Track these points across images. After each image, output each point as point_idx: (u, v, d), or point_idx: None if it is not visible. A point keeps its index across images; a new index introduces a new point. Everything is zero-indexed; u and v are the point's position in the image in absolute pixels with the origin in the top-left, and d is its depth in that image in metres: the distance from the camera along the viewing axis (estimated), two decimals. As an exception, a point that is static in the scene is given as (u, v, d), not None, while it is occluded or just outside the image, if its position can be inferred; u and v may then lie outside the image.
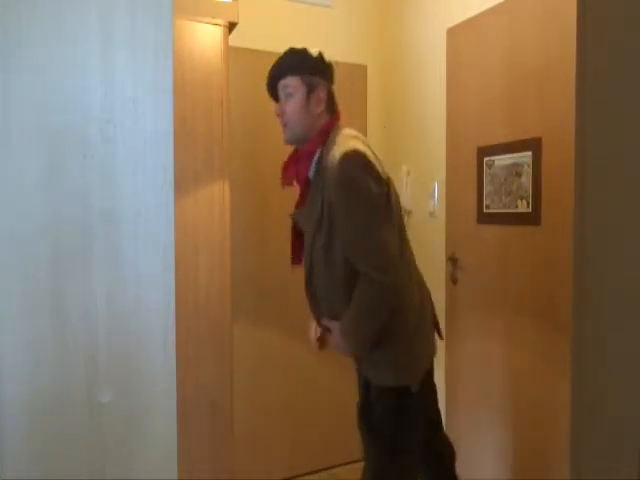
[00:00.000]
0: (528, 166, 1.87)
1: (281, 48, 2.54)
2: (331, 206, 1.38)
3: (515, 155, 1.93)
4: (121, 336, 0.69)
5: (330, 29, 2.71)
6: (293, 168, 1.51)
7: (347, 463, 2.82)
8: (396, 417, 1.47)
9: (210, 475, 1.71)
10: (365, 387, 1.56)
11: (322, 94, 1.52)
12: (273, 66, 1.51)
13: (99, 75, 0.68)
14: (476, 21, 2.13)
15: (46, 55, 0.65)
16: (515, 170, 1.93)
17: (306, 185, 1.50)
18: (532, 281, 1.87)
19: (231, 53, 1.77)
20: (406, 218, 2.66)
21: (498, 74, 2.01)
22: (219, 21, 1.71)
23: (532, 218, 1.85)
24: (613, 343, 0.61)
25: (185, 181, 1.66)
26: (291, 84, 1.48)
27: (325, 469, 2.75)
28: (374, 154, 1.45)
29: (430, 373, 1.53)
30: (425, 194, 2.51)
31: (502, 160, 1.99)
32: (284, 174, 1.55)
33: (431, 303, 1.59)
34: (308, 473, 2.69)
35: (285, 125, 1.49)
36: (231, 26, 1.76)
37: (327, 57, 1.55)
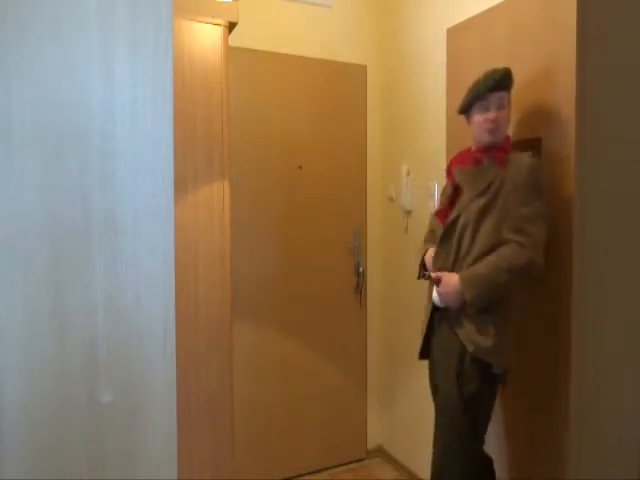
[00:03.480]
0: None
1: (281, 48, 2.56)
2: (507, 189, 1.63)
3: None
4: (121, 336, 0.69)
5: (330, 29, 2.71)
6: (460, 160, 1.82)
7: (347, 463, 2.82)
8: (480, 400, 1.64)
9: (210, 475, 1.71)
10: (457, 360, 1.65)
11: (509, 107, 1.75)
12: (490, 78, 1.70)
13: (99, 75, 0.68)
14: (476, 21, 2.13)
15: (46, 55, 0.65)
16: (515, 170, 1.92)
17: (479, 163, 1.76)
18: (532, 281, 1.86)
19: (231, 53, 1.77)
20: (406, 218, 2.66)
21: (498, 74, 2.01)
22: (219, 21, 1.71)
23: (532, 218, 1.85)
24: (613, 343, 0.61)
25: (185, 181, 1.66)
26: (505, 97, 1.72)
27: (325, 469, 2.75)
28: None
29: (505, 376, 1.70)
30: (425, 194, 2.51)
31: (502, 160, 1.98)
32: (449, 170, 1.85)
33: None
34: (308, 473, 2.70)
35: (495, 130, 1.70)
36: (231, 26, 1.76)
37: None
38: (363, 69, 2.79)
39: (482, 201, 1.66)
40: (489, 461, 1.80)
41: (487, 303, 1.61)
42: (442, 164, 2.37)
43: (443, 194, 1.91)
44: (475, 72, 2.03)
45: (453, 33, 2.27)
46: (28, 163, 0.64)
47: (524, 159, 1.67)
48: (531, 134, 1.85)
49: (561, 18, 1.72)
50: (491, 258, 1.61)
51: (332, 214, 2.72)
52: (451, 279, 1.64)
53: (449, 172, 1.85)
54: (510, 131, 1.98)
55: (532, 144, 1.84)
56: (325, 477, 2.71)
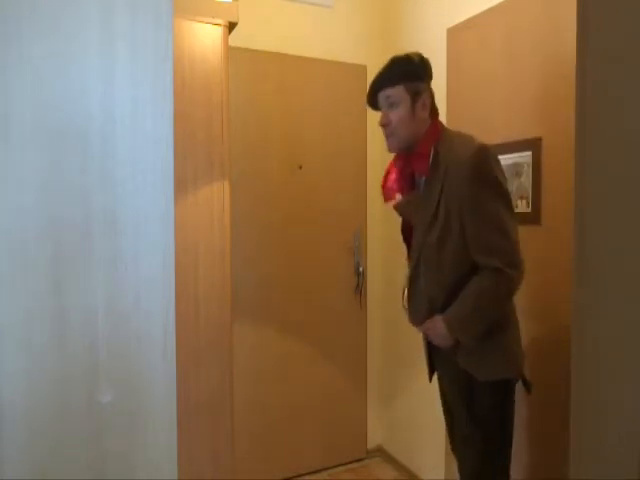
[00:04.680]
0: (528, 166, 1.87)
1: (281, 48, 2.56)
2: (452, 200, 1.39)
3: (515, 155, 1.93)
4: (121, 336, 0.69)
5: (330, 29, 2.71)
6: (394, 181, 1.55)
7: (347, 463, 2.82)
8: (500, 413, 1.50)
9: (210, 475, 1.71)
10: (464, 386, 1.51)
11: (426, 99, 1.51)
12: (375, 78, 1.52)
13: (99, 75, 0.68)
14: (476, 21, 2.13)
15: (46, 55, 0.65)
16: (515, 170, 1.93)
17: (411, 183, 1.54)
18: (532, 281, 1.86)
19: (231, 53, 1.77)
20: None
21: (498, 74, 2.01)
22: (219, 21, 1.71)
23: (532, 218, 1.85)
24: (614, 343, 0.61)
25: (185, 181, 1.66)
26: (394, 94, 1.48)
27: (325, 469, 2.75)
28: None
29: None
30: (425, 194, 2.51)
31: (502, 160, 1.98)
32: (386, 189, 1.57)
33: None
34: (308, 473, 2.70)
35: (390, 134, 1.50)
36: (231, 26, 1.76)
37: (425, 59, 1.55)
38: (363, 69, 2.79)
39: (435, 234, 1.45)
40: None
41: (483, 333, 1.44)
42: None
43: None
44: (475, 72, 2.03)
45: (453, 33, 2.27)
46: (28, 163, 0.64)
47: (459, 156, 1.40)
48: (531, 134, 1.86)
49: (561, 18, 1.72)
50: (471, 292, 1.42)
51: (332, 214, 2.72)
52: (436, 324, 1.48)
53: (387, 197, 1.61)
54: (510, 131, 1.97)
55: (532, 144, 1.85)
56: (325, 477, 2.71)
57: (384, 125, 1.50)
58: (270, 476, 2.57)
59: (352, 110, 2.78)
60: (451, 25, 2.28)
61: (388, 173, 1.60)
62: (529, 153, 1.86)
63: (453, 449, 1.68)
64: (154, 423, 0.71)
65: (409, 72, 1.49)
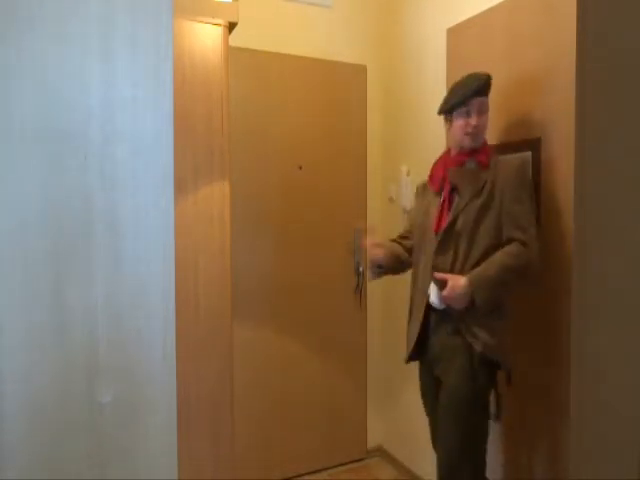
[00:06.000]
0: (528, 166, 1.87)
1: (281, 48, 2.56)
2: (498, 188, 1.67)
3: (515, 155, 1.93)
4: (121, 336, 0.69)
5: (330, 29, 2.71)
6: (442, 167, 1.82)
7: (347, 463, 2.82)
8: (483, 400, 1.65)
9: (210, 475, 1.71)
10: (466, 359, 1.64)
11: (488, 112, 1.78)
12: (472, 85, 1.73)
13: (99, 75, 0.68)
14: (476, 21, 2.13)
15: (46, 55, 0.65)
16: (515, 170, 1.92)
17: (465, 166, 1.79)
18: (532, 281, 1.86)
19: (231, 53, 1.77)
20: (406, 218, 2.66)
21: (498, 74, 2.01)
22: (219, 21, 1.71)
23: (532, 218, 1.85)
24: (614, 343, 0.61)
25: (185, 181, 1.66)
26: (486, 103, 1.75)
27: (325, 469, 2.75)
28: None
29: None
30: (425, 194, 2.51)
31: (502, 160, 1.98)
32: (437, 175, 1.83)
33: None
34: (308, 473, 2.70)
35: (476, 135, 1.73)
36: (231, 26, 1.76)
37: None
38: (363, 69, 2.79)
39: (480, 201, 1.67)
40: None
41: (495, 303, 1.63)
42: (442, 164, 2.37)
43: (417, 207, 1.94)
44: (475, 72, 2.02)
45: (453, 33, 2.27)
46: (28, 163, 0.64)
47: (510, 161, 1.75)
48: (531, 134, 1.86)
49: (561, 18, 1.72)
50: (497, 258, 1.61)
51: (332, 214, 2.72)
52: (458, 282, 1.60)
53: (434, 179, 1.84)
54: (510, 131, 1.98)
55: (532, 144, 1.85)
56: (325, 477, 2.71)
57: (475, 126, 1.72)
58: (270, 476, 2.57)
59: (352, 110, 2.78)
60: (451, 25, 2.28)
61: (442, 160, 1.85)
62: (529, 153, 1.86)
63: (435, 446, 1.80)
64: (154, 421, 0.71)
65: (490, 88, 1.76)
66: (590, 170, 0.63)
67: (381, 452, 2.91)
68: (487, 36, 2.06)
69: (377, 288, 2.86)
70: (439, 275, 1.66)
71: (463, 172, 1.76)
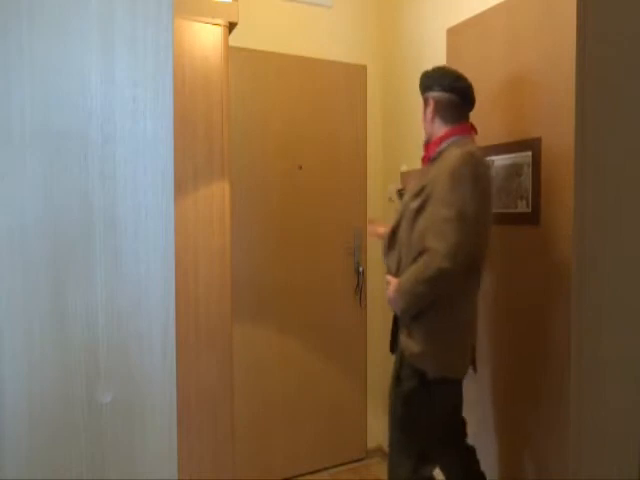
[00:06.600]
0: (528, 166, 1.87)
1: (281, 48, 2.56)
2: (432, 189, 1.59)
3: (515, 155, 1.93)
4: (121, 336, 0.69)
5: (330, 29, 2.71)
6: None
7: (347, 463, 2.82)
8: (415, 400, 1.65)
9: (210, 475, 1.71)
10: (398, 361, 1.71)
11: (430, 107, 1.75)
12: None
13: (99, 75, 0.68)
14: (476, 21, 2.13)
15: (46, 55, 0.65)
16: (515, 170, 1.93)
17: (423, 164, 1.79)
18: (532, 281, 1.87)
19: (231, 53, 1.77)
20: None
21: (498, 74, 2.01)
22: (219, 21, 1.71)
23: (532, 218, 1.85)
24: (614, 343, 0.61)
25: (185, 181, 1.66)
26: (424, 99, 1.78)
27: (325, 469, 2.75)
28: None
29: (455, 383, 1.69)
30: (425, 194, 2.51)
31: (502, 160, 1.99)
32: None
33: (474, 336, 1.74)
34: (308, 473, 2.70)
35: (424, 129, 1.80)
36: (231, 26, 1.76)
37: (434, 70, 1.77)
38: (363, 69, 2.79)
39: (416, 203, 1.62)
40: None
41: (416, 312, 1.61)
42: (442, 164, 2.37)
43: None
44: (475, 72, 2.03)
45: (453, 33, 2.27)
46: (28, 163, 0.64)
47: (448, 156, 1.60)
48: (531, 134, 1.86)
49: (561, 18, 1.72)
50: (411, 269, 1.58)
51: (332, 214, 2.72)
52: (393, 285, 1.65)
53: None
54: (510, 131, 1.98)
55: (532, 144, 1.85)
56: (325, 477, 2.71)
57: (423, 120, 1.79)
58: (270, 476, 2.57)
59: (352, 110, 2.78)
60: (451, 25, 2.28)
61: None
62: (529, 153, 1.86)
63: None
64: (154, 421, 0.71)
65: (421, 83, 1.77)
66: (590, 170, 0.63)
67: (381, 452, 2.90)
68: (487, 36, 2.07)
69: (377, 288, 2.87)
70: (387, 277, 1.73)
71: (419, 171, 1.79)
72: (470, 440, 1.86)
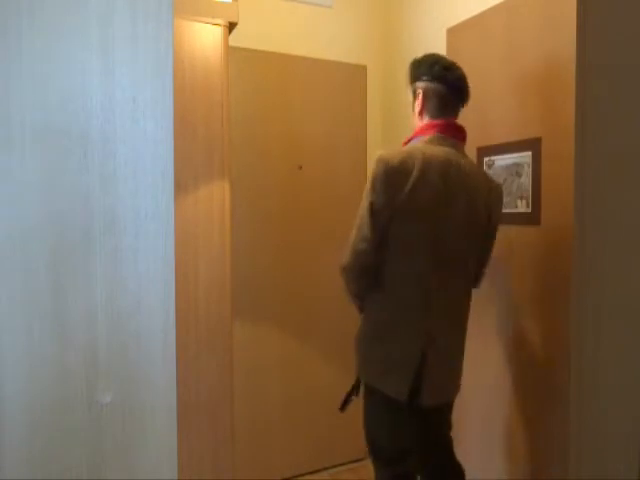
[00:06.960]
0: (528, 166, 1.87)
1: (281, 48, 2.56)
2: None
3: (515, 155, 1.93)
4: (121, 336, 0.69)
5: (330, 29, 2.71)
6: None
7: (347, 463, 2.82)
8: (365, 402, 1.70)
9: (210, 475, 1.71)
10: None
11: (418, 98, 1.71)
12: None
13: (99, 75, 0.68)
14: (476, 21, 2.13)
15: (46, 55, 0.65)
16: (515, 170, 1.93)
17: None
18: (532, 281, 1.87)
19: (231, 53, 1.77)
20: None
21: (498, 74, 2.01)
22: (219, 21, 1.71)
23: (532, 218, 1.85)
24: (613, 343, 0.61)
25: (185, 181, 1.66)
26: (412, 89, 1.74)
27: (325, 469, 2.75)
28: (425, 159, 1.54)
29: (389, 401, 1.56)
30: (425, 194, 2.50)
31: (502, 160, 1.99)
32: None
33: (430, 346, 1.55)
34: (308, 473, 2.70)
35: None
36: (231, 26, 1.76)
37: (420, 59, 1.71)
38: (363, 69, 2.79)
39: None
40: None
41: (359, 309, 1.75)
42: (442, 164, 2.36)
43: None
44: (475, 72, 2.03)
45: (453, 33, 2.27)
46: (28, 163, 0.64)
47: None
48: (531, 134, 1.86)
49: (561, 18, 1.72)
50: None
51: (332, 214, 2.72)
52: None
53: None
54: (510, 131, 1.97)
55: (532, 144, 1.85)
56: (325, 477, 2.71)
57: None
58: (270, 476, 2.57)
59: (352, 110, 2.78)
60: (451, 25, 2.28)
61: None
62: (529, 153, 1.86)
63: None
64: (154, 421, 0.71)
65: (409, 72, 1.73)
66: (590, 169, 0.64)
67: (381, 452, 2.90)
68: (487, 36, 2.07)
69: (377, 288, 2.86)
70: None
71: None
72: (473, 439, 1.86)
